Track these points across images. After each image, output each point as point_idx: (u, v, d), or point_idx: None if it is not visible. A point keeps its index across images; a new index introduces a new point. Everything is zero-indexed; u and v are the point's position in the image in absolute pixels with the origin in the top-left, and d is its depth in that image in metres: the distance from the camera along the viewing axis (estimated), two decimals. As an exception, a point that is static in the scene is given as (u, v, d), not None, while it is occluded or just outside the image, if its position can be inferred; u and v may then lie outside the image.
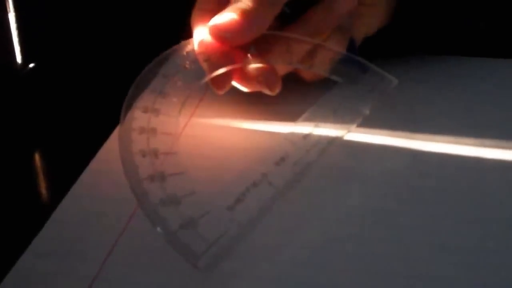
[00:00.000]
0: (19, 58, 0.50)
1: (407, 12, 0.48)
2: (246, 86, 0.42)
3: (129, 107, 0.39)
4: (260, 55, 0.41)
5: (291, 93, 0.47)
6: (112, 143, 0.43)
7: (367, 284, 0.32)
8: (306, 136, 0.42)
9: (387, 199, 0.37)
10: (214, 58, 0.40)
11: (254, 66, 0.41)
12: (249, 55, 0.42)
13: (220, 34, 0.40)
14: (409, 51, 0.51)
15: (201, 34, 0.41)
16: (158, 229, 0.33)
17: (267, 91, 0.42)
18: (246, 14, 0.39)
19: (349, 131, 0.42)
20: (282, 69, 0.42)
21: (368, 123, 0.43)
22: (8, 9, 0.48)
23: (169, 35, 0.57)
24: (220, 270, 0.33)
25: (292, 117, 0.44)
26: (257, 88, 0.42)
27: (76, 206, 0.38)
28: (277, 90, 0.41)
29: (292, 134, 0.42)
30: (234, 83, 0.42)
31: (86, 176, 0.40)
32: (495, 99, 0.47)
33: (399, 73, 0.44)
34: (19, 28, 0.49)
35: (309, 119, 0.43)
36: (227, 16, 0.39)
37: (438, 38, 0.50)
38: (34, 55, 0.51)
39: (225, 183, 0.38)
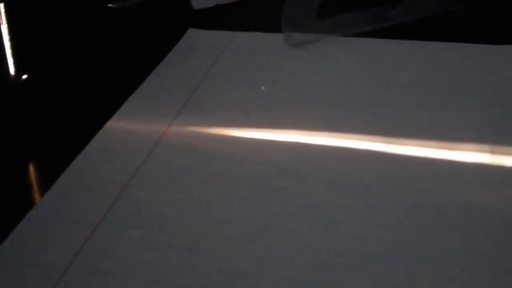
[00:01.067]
0: (12, 70, 0.50)
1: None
2: None
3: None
4: None
5: (279, 99, 0.47)
6: (95, 143, 0.43)
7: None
8: (299, 144, 0.42)
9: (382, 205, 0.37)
10: None
11: None
12: None
13: None
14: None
15: None
16: None
17: None
18: None
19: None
20: None
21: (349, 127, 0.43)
22: (0, 21, 0.48)
23: (160, 49, 0.57)
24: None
25: (280, 125, 0.44)
26: None
27: (46, 213, 0.38)
28: None
29: (281, 142, 0.42)
30: None
31: (67, 175, 0.40)
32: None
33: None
34: (12, 39, 0.49)
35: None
36: None
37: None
38: (27, 67, 0.51)
39: None
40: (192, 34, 0.57)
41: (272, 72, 0.51)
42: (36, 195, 0.40)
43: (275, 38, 0.55)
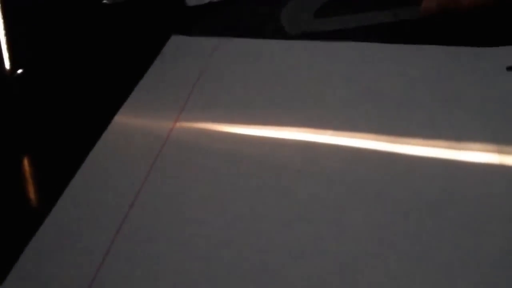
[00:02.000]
0: (7, 64, 0.50)
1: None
2: None
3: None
4: None
5: (282, 96, 0.48)
6: (104, 142, 0.43)
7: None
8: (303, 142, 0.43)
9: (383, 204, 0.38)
10: None
11: None
12: None
13: None
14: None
15: None
16: None
17: None
18: None
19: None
20: None
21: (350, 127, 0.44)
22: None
23: (157, 41, 0.57)
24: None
25: (287, 122, 0.44)
26: None
27: (71, 206, 0.38)
28: None
29: (285, 140, 0.43)
30: None
31: (80, 176, 0.40)
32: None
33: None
34: (7, 34, 0.49)
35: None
36: None
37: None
38: (22, 61, 0.51)
39: None
40: (175, 41, 0.56)
41: (264, 74, 0.51)
42: (48, 197, 0.40)
43: (262, 43, 0.55)
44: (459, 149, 0.42)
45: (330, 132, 0.44)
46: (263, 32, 0.58)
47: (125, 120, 0.46)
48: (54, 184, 0.40)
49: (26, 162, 0.43)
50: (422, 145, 0.42)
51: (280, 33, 0.57)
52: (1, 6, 0.48)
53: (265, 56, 0.53)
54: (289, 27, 0.58)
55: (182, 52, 0.54)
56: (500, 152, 0.41)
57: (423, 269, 0.33)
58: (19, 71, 0.51)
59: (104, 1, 0.62)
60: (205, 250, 0.35)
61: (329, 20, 0.58)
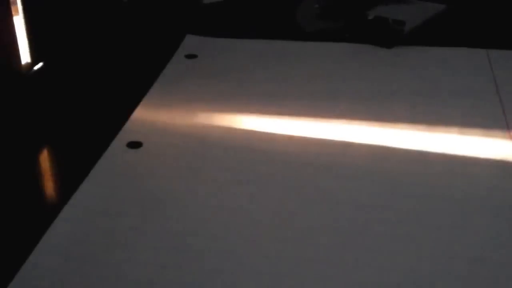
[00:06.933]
0: (28, 58, 0.50)
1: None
2: None
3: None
4: None
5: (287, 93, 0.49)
6: (119, 141, 0.44)
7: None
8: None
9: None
10: None
11: None
12: None
13: None
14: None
15: None
16: None
17: None
18: None
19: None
20: None
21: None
22: (16, 12, 0.48)
23: (173, 33, 0.57)
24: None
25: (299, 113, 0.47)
26: None
27: (84, 204, 0.38)
28: None
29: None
30: None
31: (98, 168, 0.41)
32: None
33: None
34: (28, 28, 0.49)
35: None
36: None
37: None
38: (42, 55, 0.51)
39: None
40: (190, 41, 0.57)
41: (274, 72, 0.53)
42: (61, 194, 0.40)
43: (273, 44, 0.56)
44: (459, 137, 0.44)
45: (318, 120, 0.46)
46: (279, 30, 0.59)
47: (143, 114, 0.47)
48: (71, 177, 0.40)
49: (44, 155, 0.44)
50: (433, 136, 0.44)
51: (296, 31, 0.59)
52: (22, 2, 0.48)
53: (276, 56, 0.55)
54: (305, 24, 0.59)
55: (196, 52, 0.55)
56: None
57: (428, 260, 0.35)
58: (39, 65, 0.51)
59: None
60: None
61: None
